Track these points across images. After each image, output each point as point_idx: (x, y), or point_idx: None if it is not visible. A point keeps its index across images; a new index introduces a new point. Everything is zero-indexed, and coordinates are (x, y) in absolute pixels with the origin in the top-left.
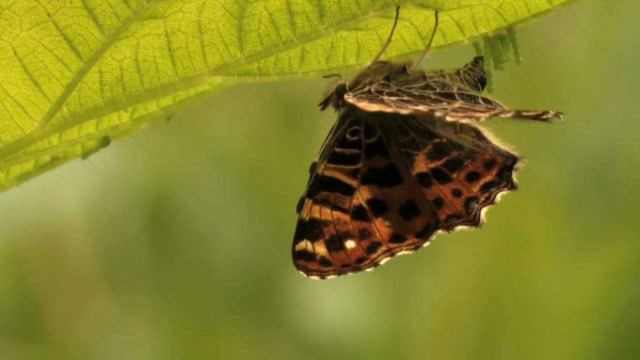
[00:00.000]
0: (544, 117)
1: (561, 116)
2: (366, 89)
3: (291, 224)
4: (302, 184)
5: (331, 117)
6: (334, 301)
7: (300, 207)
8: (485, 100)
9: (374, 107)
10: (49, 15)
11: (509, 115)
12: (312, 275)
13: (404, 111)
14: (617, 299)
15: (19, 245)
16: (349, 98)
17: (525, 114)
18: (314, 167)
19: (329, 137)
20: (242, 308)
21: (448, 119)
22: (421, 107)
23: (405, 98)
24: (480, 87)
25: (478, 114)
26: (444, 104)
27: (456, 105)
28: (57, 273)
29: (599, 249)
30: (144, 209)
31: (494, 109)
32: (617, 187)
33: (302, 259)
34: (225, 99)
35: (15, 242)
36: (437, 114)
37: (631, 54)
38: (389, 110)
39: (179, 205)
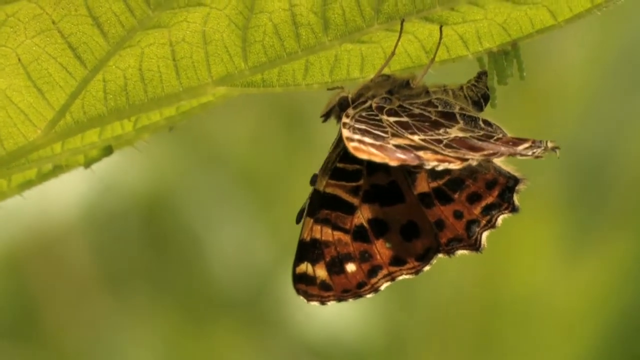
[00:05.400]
0: (538, 153)
1: (557, 151)
2: (367, 104)
3: (287, 226)
4: (299, 188)
5: (330, 122)
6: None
7: (299, 218)
8: (485, 122)
9: (363, 154)
10: (54, 22)
11: (502, 157)
12: (312, 300)
13: (392, 163)
14: (615, 300)
15: (17, 247)
16: (346, 126)
17: (522, 151)
18: (314, 179)
19: (330, 151)
20: (239, 309)
21: (439, 168)
22: (409, 156)
23: (404, 120)
24: (484, 103)
25: (470, 155)
26: (441, 131)
27: (452, 134)
28: (55, 275)
29: (597, 249)
30: (141, 211)
31: (488, 150)
32: (614, 189)
33: (303, 283)
34: (223, 103)
35: (13, 244)
36: (427, 166)
37: (626, 59)
38: (377, 159)
39: (176, 208)
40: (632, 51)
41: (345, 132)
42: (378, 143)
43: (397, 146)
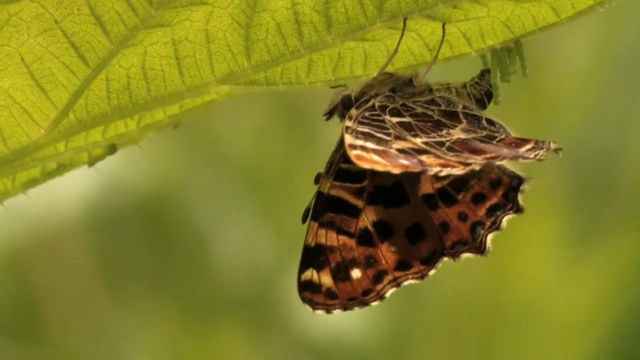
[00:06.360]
0: (541, 156)
1: (560, 153)
2: (370, 103)
3: (292, 226)
4: (302, 186)
5: (335, 121)
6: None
7: (305, 217)
8: (488, 121)
9: (365, 163)
10: (56, 22)
11: (504, 160)
12: (317, 309)
13: (395, 170)
14: (618, 302)
15: (18, 246)
16: (348, 131)
17: (524, 154)
18: (319, 177)
19: (334, 151)
20: (243, 309)
21: (442, 174)
22: (411, 162)
23: (407, 120)
24: (487, 101)
25: (472, 159)
26: (444, 132)
27: (455, 136)
28: (57, 273)
29: (600, 251)
30: (143, 210)
31: (490, 153)
32: (617, 190)
33: (308, 291)
34: (227, 102)
35: (15, 243)
36: (430, 173)
37: (630, 58)
38: (379, 168)
39: (179, 207)
40: (636, 50)
41: (348, 139)
42: (381, 148)
43: (400, 150)
